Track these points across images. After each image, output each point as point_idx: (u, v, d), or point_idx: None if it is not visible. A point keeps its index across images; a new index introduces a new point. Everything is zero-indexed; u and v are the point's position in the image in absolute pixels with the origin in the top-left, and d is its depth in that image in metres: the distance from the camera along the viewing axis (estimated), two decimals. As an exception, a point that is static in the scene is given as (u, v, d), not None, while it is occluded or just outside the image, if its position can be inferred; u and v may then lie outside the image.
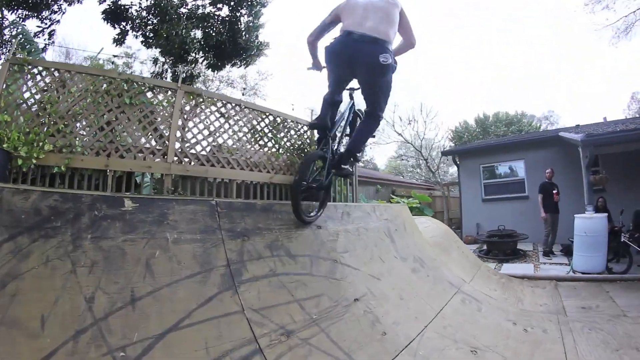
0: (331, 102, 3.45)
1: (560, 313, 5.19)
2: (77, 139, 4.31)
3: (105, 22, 9.68)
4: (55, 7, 9.57)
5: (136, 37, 9.88)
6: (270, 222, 3.04)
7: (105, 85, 4.65)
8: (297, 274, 2.82)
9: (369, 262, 3.69)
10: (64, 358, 1.67)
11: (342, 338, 2.57)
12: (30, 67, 4.18)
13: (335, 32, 3.44)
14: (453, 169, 32.98)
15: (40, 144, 3.94)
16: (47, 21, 9.62)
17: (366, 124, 3.49)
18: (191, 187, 5.19)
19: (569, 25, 62.81)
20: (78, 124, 4.48)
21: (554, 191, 9.57)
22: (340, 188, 6.81)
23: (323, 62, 3.54)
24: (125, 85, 4.78)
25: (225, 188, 5.57)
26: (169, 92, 5.22)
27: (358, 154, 3.59)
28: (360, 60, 3.16)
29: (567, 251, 9.37)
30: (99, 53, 9.97)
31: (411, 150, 31.94)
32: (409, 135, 25.81)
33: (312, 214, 3.50)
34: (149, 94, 5.06)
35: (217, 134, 5.60)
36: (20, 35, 7.27)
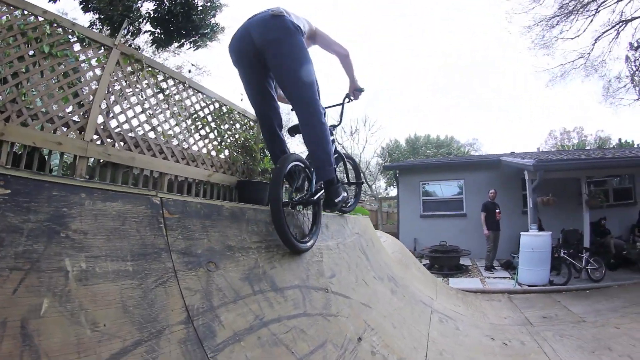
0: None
1: (526, 324, 5.40)
2: None
3: None
4: None
5: (73, -1, 8.08)
6: (244, 238, 1.85)
7: (22, 24, 3.23)
8: (290, 318, 1.75)
9: (356, 287, 2.99)
10: None
11: None
12: None
13: None
14: (380, 184, 33.46)
15: None
16: None
17: (311, 129, 2.33)
18: (111, 178, 3.80)
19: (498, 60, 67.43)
20: None
21: (497, 210, 9.88)
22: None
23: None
24: (48, 28, 3.37)
25: (154, 183, 4.21)
26: (102, 50, 3.84)
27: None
28: (264, 38, 2.35)
29: (508, 266, 9.84)
30: None
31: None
32: (347, 146, 25.58)
33: (306, 239, 2.37)
34: (76, 47, 3.66)
35: (152, 114, 4.26)
36: None
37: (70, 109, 3.55)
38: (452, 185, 13.41)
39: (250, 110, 5.60)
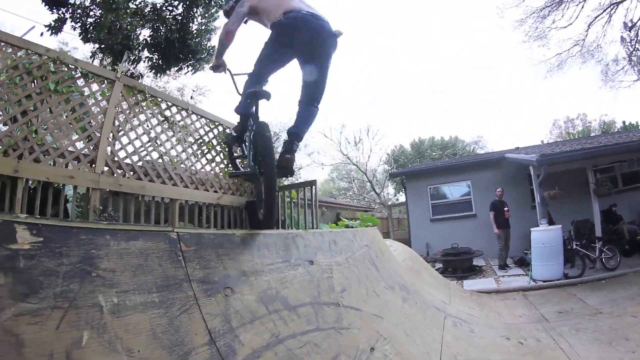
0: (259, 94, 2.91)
1: (542, 321, 5.37)
2: None
3: (43, 3, 7.96)
4: None
5: (74, 29, 8.24)
6: (256, 262, 1.99)
7: (27, 63, 3.41)
8: (304, 333, 1.89)
9: (367, 299, 3.11)
10: None
11: None
12: None
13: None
14: (389, 190, 33.49)
15: None
16: None
17: (311, 112, 2.95)
18: (125, 207, 3.97)
19: (496, 55, 67.49)
20: None
21: (505, 208, 9.96)
22: (297, 211, 5.80)
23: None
24: (52, 66, 3.55)
25: (166, 209, 4.41)
26: (105, 84, 4.02)
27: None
28: (324, 42, 2.87)
29: (521, 262, 9.80)
30: (28, 32, 8.16)
31: (343, 173, 31.98)
32: (352, 157, 25.83)
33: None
34: (80, 82, 3.83)
35: (159, 142, 4.45)
36: None
37: (80, 143, 3.74)
38: (459, 187, 13.48)
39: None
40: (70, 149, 3.62)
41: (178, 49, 8.17)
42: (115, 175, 3.82)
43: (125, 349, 1.16)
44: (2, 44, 3.26)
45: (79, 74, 3.79)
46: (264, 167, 2.54)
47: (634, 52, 14.71)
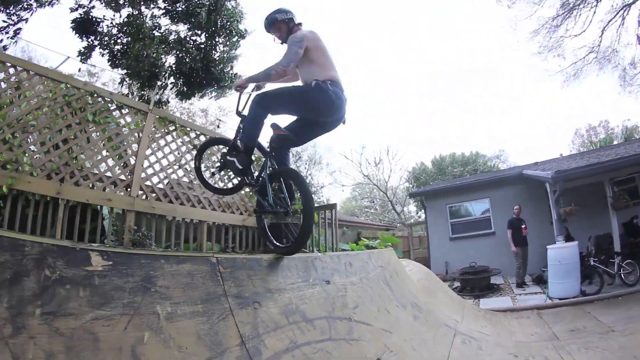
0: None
1: (553, 339, 5.29)
2: (26, 154, 3.41)
3: (74, 32, 8.70)
4: (26, 4, 8.49)
5: (102, 55, 8.93)
6: (280, 281, 2.37)
7: (66, 95, 3.78)
8: (318, 342, 2.21)
9: (378, 315, 3.36)
10: None
11: None
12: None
13: None
14: (408, 208, 33.39)
15: (-21, 153, 2.94)
16: (14, 17, 8.49)
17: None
18: (157, 227, 4.33)
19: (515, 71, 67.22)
20: (29, 137, 3.55)
21: (522, 226, 9.90)
22: (318, 232, 6.11)
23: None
24: (90, 98, 3.94)
25: (195, 230, 4.74)
26: (139, 115, 4.39)
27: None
28: (337, 123, 3.11)
29: (539, 280, 9.69)
30: (62, 62, 8.82)
31: (367, 191, 32.21)
32: (372, 176, 26.15)
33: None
34: (116, 114, 4.22)
35: (189, 168, 4.79)
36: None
37: (116, 169, 4.11)
38: (478, 205, 13.54)
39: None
40: (107, 174, 4.01)
41: (202, 76, 8.65)
42: (148, 198, 4.20)
43: (176, 346, 1.51)
44: (44, 78, 3.66)
45: (115, 106, 4.17)
46: (307, 211, 2.64)
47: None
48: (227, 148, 3.42)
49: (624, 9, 13.88)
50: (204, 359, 1.53)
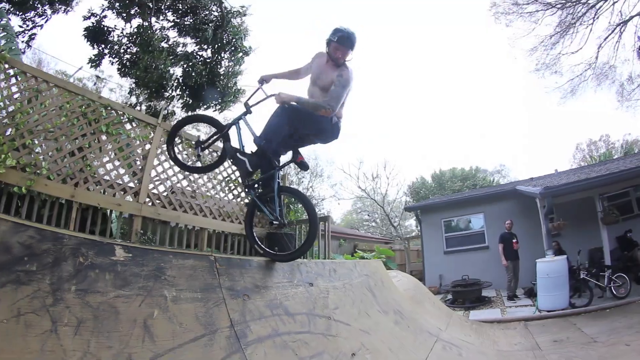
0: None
1: (535, 349, 5.56)
2: (44, 159, 3.81)
3: (86, 40, 9.22)
4: (40, 10, 9.00)
5: (112, 64, 9.48)
6: (267, 280, 2.82)
7: (82, 107, 4.21)
8: (298, 333, 2.63)
9: (358, 318, 3.68)
10: None
11: None
12: (6, 65, 3.66)
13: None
14: (409, 222, 33.66)
15: (2, 156, 3.38)
16: (29, 23, 9.00)
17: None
18: (161, 232, 4.79)
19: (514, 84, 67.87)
20: (48, 143, 3.96)
21: (514, 240, 10.23)
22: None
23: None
24: (104, 111, 4.39)
25: (196, 236, 5.20)
26: (148, 128, 4.86)
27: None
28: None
29: (530, 293, 9.96)
30: (77, 71, 9.32)
31: (367, 205, 32.62)
32: (370, 190, 26.60)
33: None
34: (127, 126, 4.66)
35: (193, 179, 5.27)
36: (2, 28, 6.51)
37: (126, 178, 4.57)
38: (472, 219, 13.90)
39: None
40: (118, 181, 4.47)
41: (207, 90, 9.16)
42: (155, 205, 4.64)
43: (178, 322, 1.95)
44: (61, 89, 4.09)
45: (126, 119, 4.63)
46: (312, 228, 3.04)
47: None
48: (220, 135, 3.62)
49: (621, 25, 14.27)
50: (199, 334, 1.96)
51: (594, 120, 59.35)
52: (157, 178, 4.78)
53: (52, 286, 1.69)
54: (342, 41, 3.29)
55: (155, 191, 4.70)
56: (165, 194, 4.80)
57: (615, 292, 8.27)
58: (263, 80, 3.54)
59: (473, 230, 13.77)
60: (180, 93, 9.59)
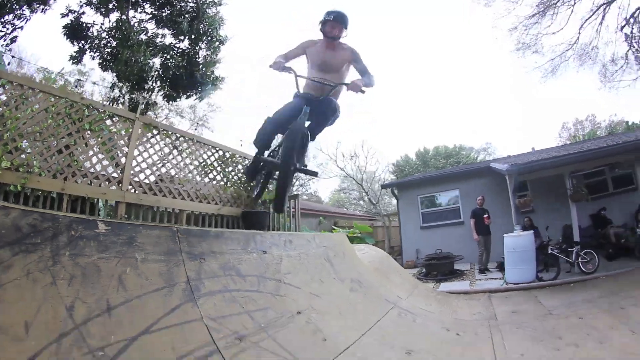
0: None
1: (492, 319, 5.80)
2: (35, 158, 4.33)
3: (65, 37, 9.67)
4: (19, 12, 9.36)
5: (93, 59, 9.97)
6: (222, 247, 3.54)
7: (66, 108, 4.75)
8: (246, 291, 3.31)
9: (310, 282, 4.21)
10: (47, 358, 1.98)
11: (288, 342, 3.07)
12: (-6, 77, 4.10)
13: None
14: (394, 200, 34.57)
15: (-2, 160, 3.86)
16: (9, 26, 9.37)
17: None
18: (144, 216, 5.47)
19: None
20: (37, 144, 4.45)
21: (485, 215, 10.87)
22: (284, 220, 7.26)
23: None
24: (86, 110, 4.94)
25: (176, 218, 5.88)
26: (127, 122, 5.46)
27: None
28: None
29: (501, 267, 10.42)
30: (59, 73, 9.80)
31: (353, 183, 33.51)
32: (350, 169, 27.37)
33: None
34: (108, 122, 5.25)
35: (170, 166, 5.91)
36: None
37: (110, 169, 5.22)
38: (448, 196, 14.62)
39: (249, 153, 7.23)
40: (103, 173, 5.12)
41: (186, 80, 9.73)
42: (136, 192, 5.32)
43: (145, 277, 2.67)
44: (46, 94, 4.60)
45: (107, 116, 5.24)
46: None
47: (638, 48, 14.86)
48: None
49: (604, 6, 14.54)
50: (161, 286, 2.68)
51: (583, 101, 60.49)
52: (138, 167, 5.42)
53: (51, 253, 2.41)
54: (338, 18, 3.83)
55: (137, 179, 5.36)
56: (146, 181, 5.46)
57: (583, 268, 8.70)
58: (289, 68, 3.83)
59: (448, 206, 14.51)
60: (161, 84, 10.15)
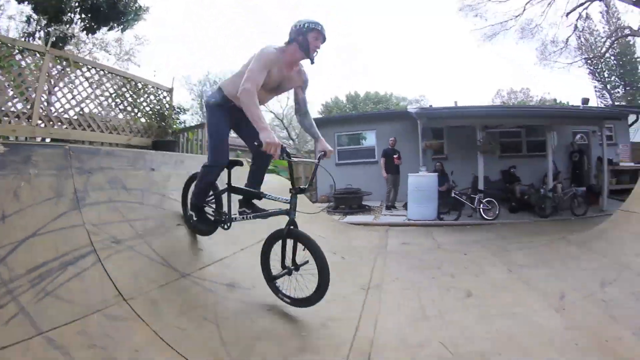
0: None
1: (381, 248, 6.39)
2: None
3: None
4: None
5: (8, -12, 9.75)
6: (111, 164, 4.26)
7: None
8: (129, 202, 4.11)
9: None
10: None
11: (162, 249, 3.71)
12: None
13: None
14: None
15: None
16: None
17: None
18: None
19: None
20: None
21: (395, 156, 11.99)
22: (195, 152, 7.98)
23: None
24: None
25: (88, 150, 6.51)
26: (37, 55, 5.73)
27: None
28: None
29: (406, 206, 11.32)
30: None
31: (276, 121, 34.74)
32: (279, 107, 28.42)
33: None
34: (18, 57, 5.46)
35: (81, 98, 6.32)
36: None
37: (20, 105, 5.60)
38: (365, 136, 15.89)
39: (164, 84, 7.64)
40: (12, 109, 5.49)
41: (107, 11, 9.83)
42: (46, 126, 5.82)
43: (37, 189, 3.27)
44: None
45: (17, 51, 5.50)
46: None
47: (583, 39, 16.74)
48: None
49: None
50: (51, 197, 3.29)
51: (517, 72, 67.91)
52: (47, 101, 5.94)
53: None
54: (322, 30, 3.28)
55: (46, 113, 5.86)
56: (55, 114, 6.03)
57: (484, 215, 9.91)
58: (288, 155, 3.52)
59: (364, 145, 15.82)
60: (80, 16, 10.17)
